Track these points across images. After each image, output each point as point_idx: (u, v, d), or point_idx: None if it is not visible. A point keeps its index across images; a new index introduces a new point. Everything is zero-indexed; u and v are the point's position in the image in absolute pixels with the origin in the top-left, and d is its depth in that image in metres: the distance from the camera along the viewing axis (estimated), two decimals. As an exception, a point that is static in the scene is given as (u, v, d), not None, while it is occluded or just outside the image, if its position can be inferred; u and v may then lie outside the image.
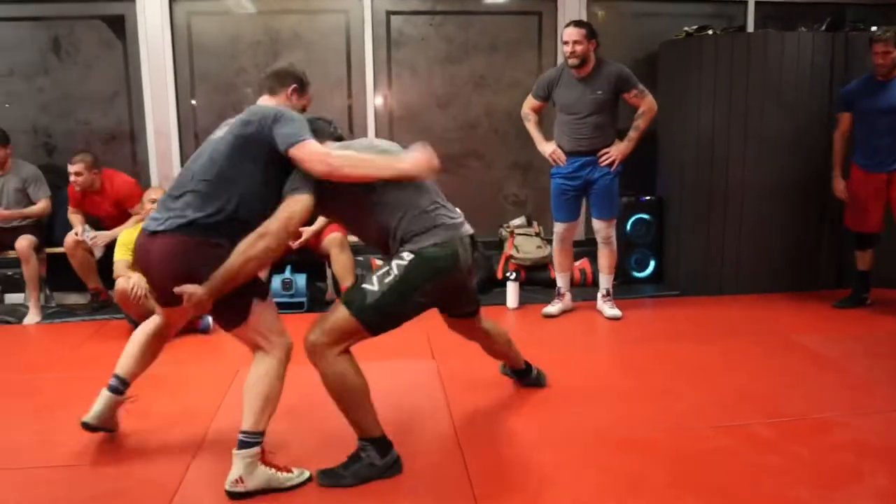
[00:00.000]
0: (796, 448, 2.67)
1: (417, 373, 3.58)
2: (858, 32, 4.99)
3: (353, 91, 5.44)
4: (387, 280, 2.37)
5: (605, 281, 4.53)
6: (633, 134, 4.27)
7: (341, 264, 4.70)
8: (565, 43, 4.16)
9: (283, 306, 4.63)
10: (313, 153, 2.30)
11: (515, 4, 5.54)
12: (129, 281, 4.06)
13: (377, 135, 5.47)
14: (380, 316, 2.40)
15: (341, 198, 2.44)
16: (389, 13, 5.34)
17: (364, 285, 2.40)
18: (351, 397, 2.42)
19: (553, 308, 4.55)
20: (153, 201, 4.20)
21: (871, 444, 2.71)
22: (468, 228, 2.59)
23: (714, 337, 4.08)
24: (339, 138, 2.65)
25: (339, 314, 2.39)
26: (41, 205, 4.91)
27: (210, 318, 4.32)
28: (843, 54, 4.89)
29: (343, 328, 2.38)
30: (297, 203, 2.33)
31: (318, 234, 4.74)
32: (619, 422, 2.93)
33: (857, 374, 3.46)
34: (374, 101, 5.42)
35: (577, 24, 4.20)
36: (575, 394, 3.24)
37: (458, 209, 2.65)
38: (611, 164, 4.25)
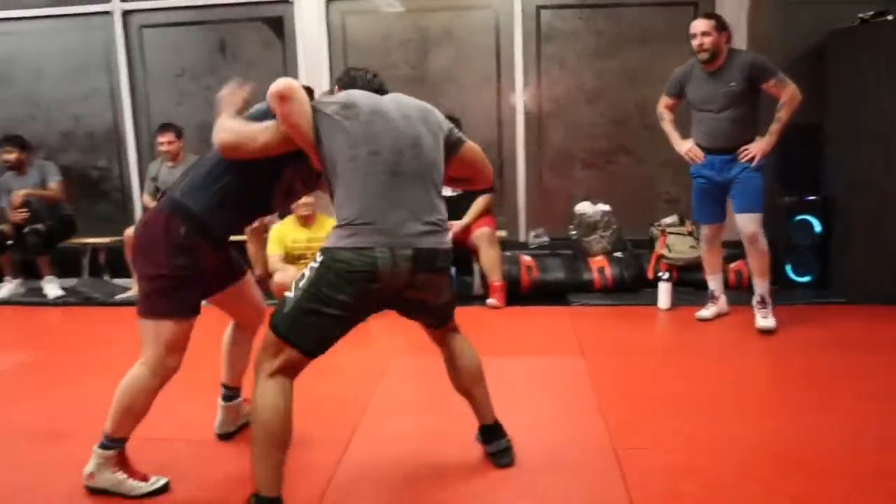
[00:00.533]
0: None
1: (564, 371, 3.49)
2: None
3: (501, 87, 5.44)
4: (300, 284, 2.04)
5: (759, 286, 4.14)
6: (774, 127, 3.93)
7: (489, 259, 4.72)
8: (693, 36, 3.92)
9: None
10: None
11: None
12: (285, 274, 4.26)
13: (526, 131, 5.45)
14: (295, 327, 2.02)
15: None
16: (539, 7, 5.31)
17: (288, 292, 2.08)
18: (258, 435, 2.00)
19: (707, 312, 4.33)
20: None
21: None
22: (418, 242, 2.05)
23: (885, 349, 3.75)
24: (379, 90, 2.35)
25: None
26: None
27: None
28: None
29: (268, 342, 2.06)
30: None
31: (468, 228, 4.77)
32: (779, 436, 2.70)
33: None
34: (523, 96, 5.39)
35: (706, 15, 3.97)
36: (729, 403, 3.05)
37: (431, 216, 2.12)
38: (751, 161, 3.95)
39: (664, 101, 4.27)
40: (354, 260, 1.98)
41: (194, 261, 2.22)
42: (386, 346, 4.08)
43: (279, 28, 5.50)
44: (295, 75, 5.43)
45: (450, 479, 2.42)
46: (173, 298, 2.22)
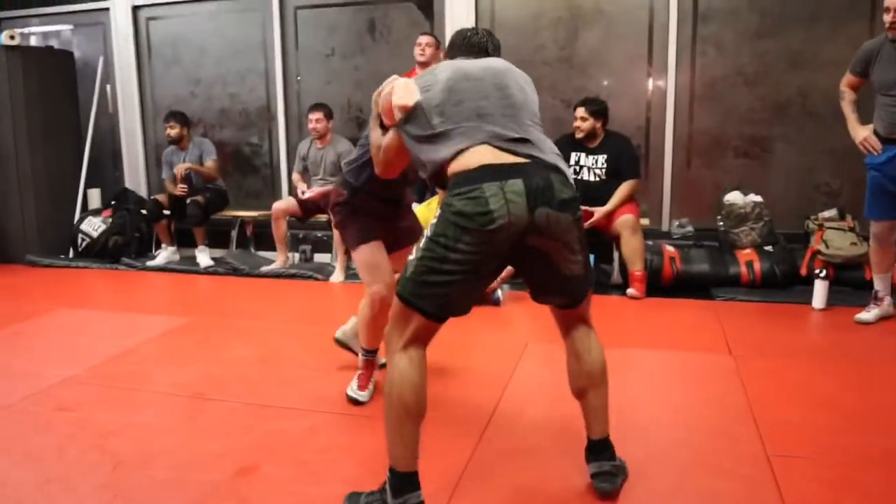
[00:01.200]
0: None
1: (712, 368, 3.31)
2: None
3: (652, 69, 5.23)
4: (422, 244, 1.94)
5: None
6: None
7: (631, 247, 4.56)
8: (886, 10, 3.51)
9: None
10: None
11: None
12: None
13: (676, 116, 5.21)
14: (417, 290, 1.91)
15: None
16: (707, -17, 5.04)
17: (411, 255, 1.98)
18: (389, 411, 1.95)
19: (868, 315, 3.97)
20: None
21: None
22: (531, 171, 1.90)
23: None
24: (478, 46, 2.28)
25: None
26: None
27: (500, 292, 4.41)
28: None
29: (395, 313, 1.98)
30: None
31: (610, 215, 4.64)
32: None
33: None
34: (676, 78, 5.16)
35: None
36: (891, 414, 2.78)
37: (540, 146, 2.00)
38: None
39: (847, 79, 3.89)
40: (465, 206, 1.85)
41: (353, 206, 2.82)
42: (524, 330, 4.04)
43: (428, 8, 5.52)
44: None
45: (585, 472, 2.34)
46: (352, 228, 2.82)
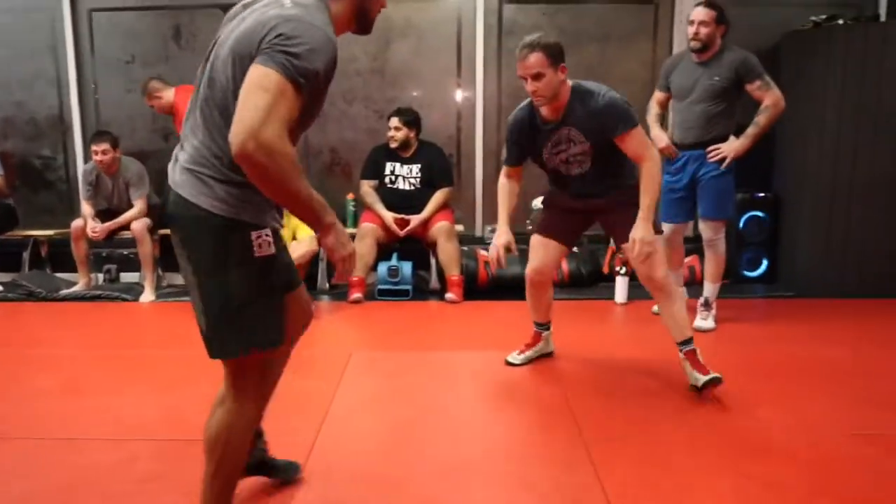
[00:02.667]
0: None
1: (530, 366, 3.49)
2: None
3: (462, 79, 5.42)
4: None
5: (707, 289, 4.15)
6: (751, 130, 3.87)
7: (447, 253, 4.70)
8: (690, 23, 3.88)
9: (388, 293, 4.70)
10: None
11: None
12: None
13: (485, 126, 5.43)
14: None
15: None
16: (502, 2, 5.30)
17: None
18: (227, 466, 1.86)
19: (706, 322, 4.14)
20: None
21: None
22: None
23: (838, 340, 3.86)
24: None
25: None
26: (135, 209, 4.97)
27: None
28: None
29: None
30: None
31: (426, 223, 4.75)
32: (752, 427, 2.77)
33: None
34: (484, 89, 5.38)
35: (708, 4, 3.88)
36: (699, 396, 3.11)
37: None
38: (721, 161, 3.91)
39: (656, 96, 4.23)
40: None
41: None
42: (346, 340, 4.04)
43: (235, 16, 5.36)
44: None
45: (419, 472, 2.40)
46: None
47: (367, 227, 4.74)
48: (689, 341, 3.09)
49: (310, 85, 1.57)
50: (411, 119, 4.82)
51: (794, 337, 3.97)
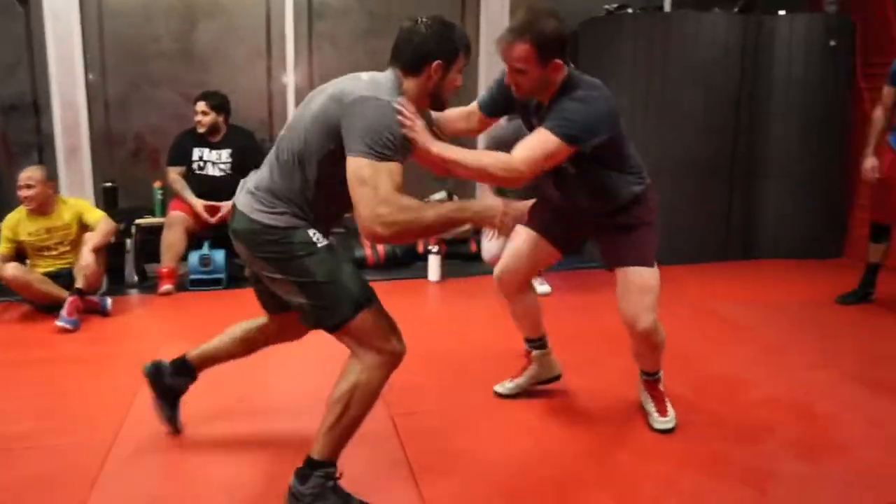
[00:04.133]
0: (716, 406, 2.83)
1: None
2: (769, 15, 5.18)
3: (272, 62, 5.31)
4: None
5: None
6: None
7: (264, 240, 4.61)
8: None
9: (201, 283, 4.56)
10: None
11: (439, -21, 5.49)
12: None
13: (296, 105, 5.35)
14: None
15: None
16: (311, -17, 5.23)
17: None
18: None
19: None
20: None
21: (782, 400, 2.87)
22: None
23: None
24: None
25: None
26: None
27: (108, 301, 4.14)
28: (754, 36, 5.08)
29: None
30: None
31: (238, 209, 4.63)
32: (560, 389, 2.98)
33: (769, 338, 3.62)
34: (295, 72, 5.30)
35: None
36: (514, 364, 3.27)
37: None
38: None
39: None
40: None
41: None
42: (156, 334, 3.89)
43: (23, -6, 4.95)
44: (42, 44, 4.90)
45: (234, 457, 2.41)
46: None
47: (176, 215, 4.55)
48: (655, 373, 2.70)
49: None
50: (219, 103, 4.66)
51: (597, 305, 4.21)
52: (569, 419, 2.74)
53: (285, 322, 2.35)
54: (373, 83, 1.96)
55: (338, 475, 2.06)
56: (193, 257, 4.60)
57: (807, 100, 5.17)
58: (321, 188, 2.00)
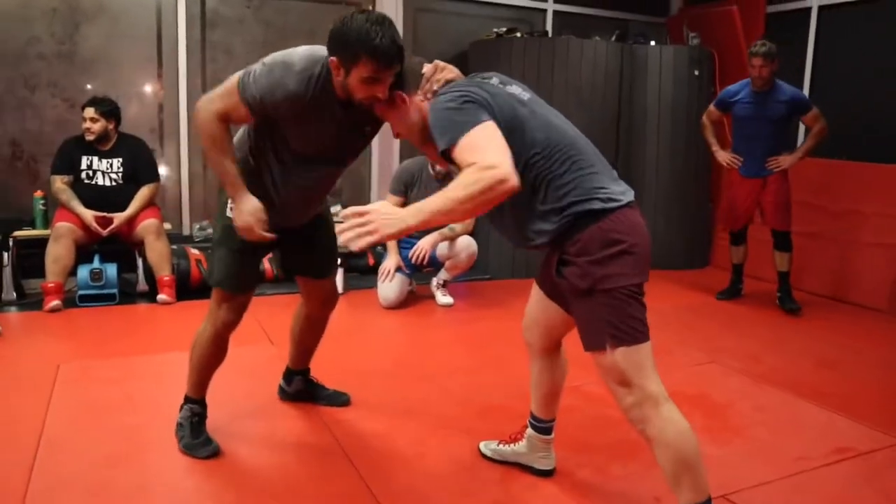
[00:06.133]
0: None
1: (260, 360, 3.50)
2: (639, 45, 5.64)
3: (164, 71, 5.14)
4: None
5: (444, 273, 4.68)
6: None
7: (157, 252, 4.45)
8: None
9: (92, 298, 4.34)
10: None
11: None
12: None
13: (189, 120, 5.23)
14: None
15: None
16: (204, -9, 5.13)
17: None
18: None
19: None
20: None
21: (683, 393, 3.15)
22: None
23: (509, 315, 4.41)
24: None
25: None
26: None
27: None
28: (630, 62, 5.50)
29: None
30: None
31: (131, 221, 4.46)
32: (475, 391, 3.13)
33: (658, 341, 3.89)
34: (188, 82, 5.17)
35: None
36: (428, 369, 3.39)
37: None
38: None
39: None
40: None
41: None
42: (49, 352, 3.66)
43: None
44: None
45: (158, 478, 2.34)
46: None
47: (64, 226, 4.29)
48: None
49: (253, 105, 2.09)
50: (109, 110, 4.46)
51: (496, 313, 4.49)
52: (481, 412, 2.89)
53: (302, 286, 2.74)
54: (297, 54, 2.14)
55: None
56: (83, 271, 4.36)
57: (675, 123, 5.67)
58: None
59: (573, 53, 5.28)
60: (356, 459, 2.46)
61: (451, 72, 2.03)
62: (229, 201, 2.28)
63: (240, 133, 2.36)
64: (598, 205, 1.80)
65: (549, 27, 5.99)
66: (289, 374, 2.96)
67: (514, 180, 1.65)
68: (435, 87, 1.96)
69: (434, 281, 4.72)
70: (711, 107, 4.86)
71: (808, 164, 4.68)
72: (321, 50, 2.09)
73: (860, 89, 5.19)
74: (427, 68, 2.01)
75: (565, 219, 1.81)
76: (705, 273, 5.82)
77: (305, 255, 2.61)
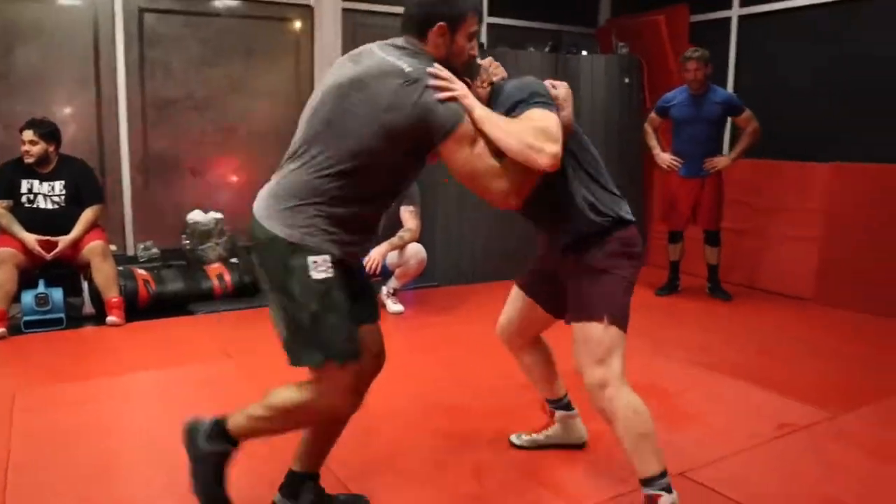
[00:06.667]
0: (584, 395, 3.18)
1: (220, 375, 3.52)
2: (571, 55, 5.86)
3: (102, 90, 5.08)
4: None
5: (393, 282, 4.78)
6: None
7: (104, 274, 4.39)
8: None
9: (38, 324, 4.25)
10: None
11: (272, 10, 5.57)
12: None
13: (130, 139, 5.17)
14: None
15: None
16: (142, 10, 5.08)
17: None
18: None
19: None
20: None
21: (637, 385, 3.26)
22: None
23: (478, 318, 4.46)
24: None
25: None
26: None
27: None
28: (563, 72, 5.70)
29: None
30: None
31: (76, 244, 4.39)
32: (441, 392, 3.25)
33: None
34: (127, 100, 5.13)
35: None
36: (383, 375, 3.44)
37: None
38: None
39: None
40: None
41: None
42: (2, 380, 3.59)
43: None
44: None
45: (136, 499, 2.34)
46: None
47: (5, 252, 4.19)
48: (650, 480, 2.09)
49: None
50: (48, 131, 4.38)
51: (450, 319, 4.62)
52: (442, 408, 2.99)
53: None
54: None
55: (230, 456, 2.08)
56: (27, 297, 4.26)
57: (608, 129, 5.88)
58: None
59: (509, 65, 5.25)
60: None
61: (504, 71, 2.22)
62: (309, 258, 1.86)
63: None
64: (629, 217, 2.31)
65: (483, 39, 6.15)
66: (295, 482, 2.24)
67: (553, 163, 1.83)
68: (494, 79, 2.15)
69: (384, 289, 4.79)
70: (653, 114, 5.13)
71: (735, 163, 4.97)
72: None
73: (779, 92, 5.51)
74: (485, 61, 2.17)
75: (607, 219, 2.24)
76: (643, 271, 6.02)
77: (368, 300, 2.19)
